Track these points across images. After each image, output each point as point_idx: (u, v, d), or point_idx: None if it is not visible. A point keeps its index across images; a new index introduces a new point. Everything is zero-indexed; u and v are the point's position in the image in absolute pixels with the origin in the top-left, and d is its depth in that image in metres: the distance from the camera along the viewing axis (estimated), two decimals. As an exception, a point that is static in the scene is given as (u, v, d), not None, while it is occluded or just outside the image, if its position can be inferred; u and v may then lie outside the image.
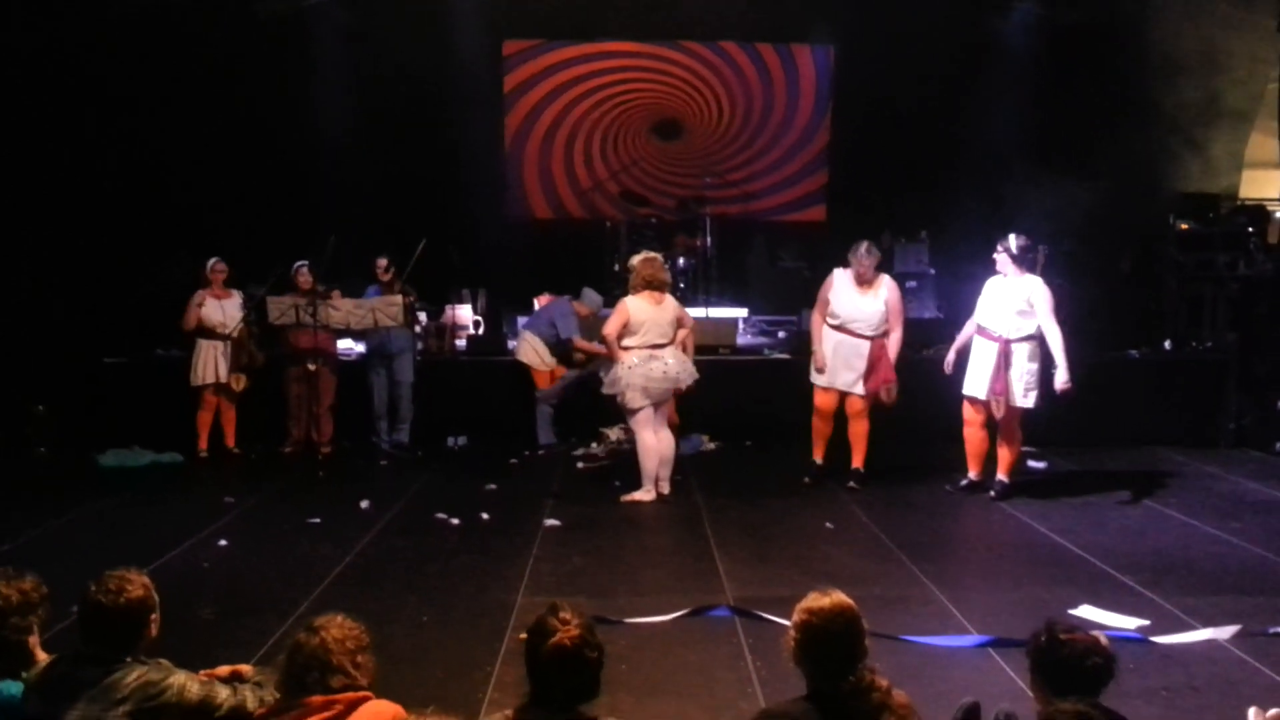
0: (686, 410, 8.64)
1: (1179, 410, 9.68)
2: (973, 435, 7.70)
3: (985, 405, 7.49)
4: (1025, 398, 7.36)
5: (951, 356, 7.70)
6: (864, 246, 7.68)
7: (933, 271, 11.60)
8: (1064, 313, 7.46)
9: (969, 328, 7.68)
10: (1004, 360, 7.34)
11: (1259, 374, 9.62)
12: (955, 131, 11.75)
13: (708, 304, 11.42)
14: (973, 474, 7.78)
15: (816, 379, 7.88)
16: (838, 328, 7.76)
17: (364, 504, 7.53)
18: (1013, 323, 7.36)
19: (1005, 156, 11.51)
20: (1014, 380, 7.34)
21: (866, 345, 7.69)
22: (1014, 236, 7.44)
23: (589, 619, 2.88)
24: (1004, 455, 7.62)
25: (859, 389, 7.73)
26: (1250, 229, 11.03)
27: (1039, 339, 7.36)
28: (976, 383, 7.50)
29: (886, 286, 7.75)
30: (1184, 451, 9.26)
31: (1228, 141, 12.24)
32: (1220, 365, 9.82)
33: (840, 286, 7.77)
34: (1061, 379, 7.23)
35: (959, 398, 7.68)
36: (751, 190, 13.43)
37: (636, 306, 7.52)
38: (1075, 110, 11.65)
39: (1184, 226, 10.96)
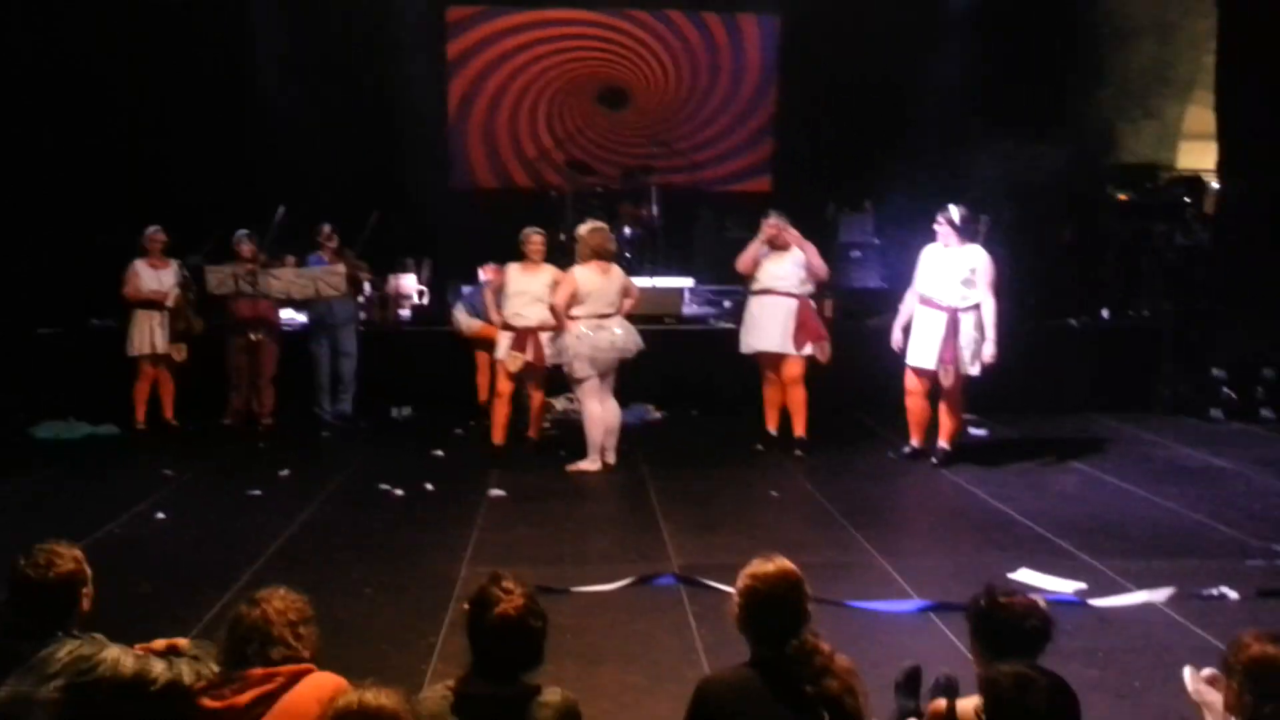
0: (632, 380, 8.61)
1: (1116, 378, 9.81)
2: (915, 404, 7.77)
3: (930, 374, 7.55)
4: (973, 365, 7.45)
5: (898, 335, 7.72)
6: (772, 214, 7.99)
7: (877, 241, 11.65)
8: (1004, 282, 7.53)
9: (909, 301, 7.73)
10: (952, 329, 7.40)
11: (1194, 342, 9.78)
12: (902, 101, 11.76)
13: (654, 273, 11.38)
14: (915, 442, 7.86)
15: (751, 346, 7.94)
16: (763, 291, 7.86)
17: (283, 473, 7.49)
18: (958, 292, 7.41)
19: (952, 126, 11.54)
20: (962, 348, 7.41)
21: (794, 303, 7.78)
22: (955, 207, 7.51)
23: (532, 588, 2.86)
24: (947, 423, 7.70)
25: (790, 348, 7.78)
26: (1187, 199, 11.20)
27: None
28: (922, 352, 7.54)
29: (802, 248, 7.92)
30: (1121, 418, 9.38)
31: (1178, 111, 12.35)
32: (1156, 334, 9.98)
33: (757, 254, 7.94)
34: (990, 351, 7.39)
35: (902, 367, 7.74)
36: (698, 160, 13.38)
37: (584, 276, 7.48)
38: (1025, 79, 11.66)
39: (1122, 197, 11.09)
